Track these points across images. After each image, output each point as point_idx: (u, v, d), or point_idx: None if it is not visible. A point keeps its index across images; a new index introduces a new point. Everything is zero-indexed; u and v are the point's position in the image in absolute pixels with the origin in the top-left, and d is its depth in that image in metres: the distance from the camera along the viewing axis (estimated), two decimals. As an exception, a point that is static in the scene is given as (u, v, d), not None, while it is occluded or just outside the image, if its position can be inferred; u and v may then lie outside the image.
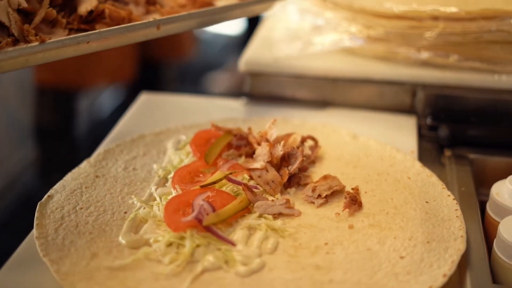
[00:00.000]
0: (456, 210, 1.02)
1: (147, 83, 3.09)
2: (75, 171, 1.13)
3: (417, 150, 1.27)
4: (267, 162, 1.09)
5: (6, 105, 2.73)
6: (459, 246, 0.93)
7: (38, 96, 2.75)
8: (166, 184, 1.09)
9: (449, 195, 1.06)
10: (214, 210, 0.96)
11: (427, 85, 1.40)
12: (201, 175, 1.10)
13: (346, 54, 1.51)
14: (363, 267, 0.90)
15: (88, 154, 1.20)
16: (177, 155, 1.18)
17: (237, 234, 0.96)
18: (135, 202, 1.05)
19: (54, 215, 1.01)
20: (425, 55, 1.40)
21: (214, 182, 1.04)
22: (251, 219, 0.99)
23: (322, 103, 1.48)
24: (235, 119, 1.33)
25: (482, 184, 1.21)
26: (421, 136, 1.35)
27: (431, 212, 1.02)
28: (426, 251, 0.92)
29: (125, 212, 1.03)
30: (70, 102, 2.81)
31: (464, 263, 0.94)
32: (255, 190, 1.04)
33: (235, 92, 3.56)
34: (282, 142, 1.12)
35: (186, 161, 1.15)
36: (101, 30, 1.05)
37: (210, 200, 0.98)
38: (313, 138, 1.22)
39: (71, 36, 1.01)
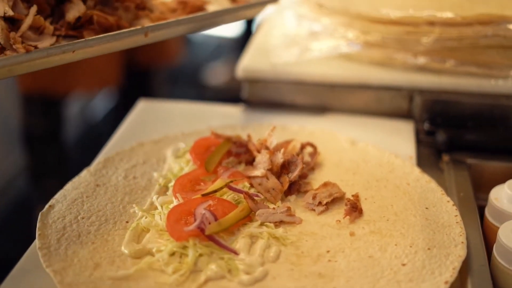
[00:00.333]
0: (456, 216, 1.02)
1: (138, 87, 3.07)
2: (76, 180, 1.13)
3: (415, 156, 1.28)
4: (268, 169, 1.10)
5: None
6: (460, 253, 0.93)
7: (25, 102, 2.73)
8: (167, 193, 1.09)
9: (448, 201, 1.07)
10: (216, 219, 0.96)
11: (424, 90, 1.40)
12: (202, 183, 1.10)
13: (343, 59, 1.51)
14: (366, 275, 0.90)
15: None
16: (177, 163, 1.18)
17: (239, 242, 0.96)
18: (136, 211, 1.05)
19: (56, 225, 1.01)
20: (421, 60, 1.41)
21: (215, 191, 1.04)
22: (252, 228, 0.99)
23: (320, 109, 1.48)
24: (233, 126, 1.33)
25: (480, 189, 1.22)
26: (418, 141, 1.35)
27: (431, 218, 1.03)
28: (427, 258, 0.93)
29: (127, 222, 1.03)
30: (58, 108, 2.79)
31: (464, 269, 0.94)
32: (256, 198, 1.05)
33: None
34: (282, 150, 1.13)
35: (186, 169, 1.15)
36: (87, 39, 1.04)
37: (211, 209, 0.99)
38: (312, 145, 1.22)
39: (56, 45, 1.00)
